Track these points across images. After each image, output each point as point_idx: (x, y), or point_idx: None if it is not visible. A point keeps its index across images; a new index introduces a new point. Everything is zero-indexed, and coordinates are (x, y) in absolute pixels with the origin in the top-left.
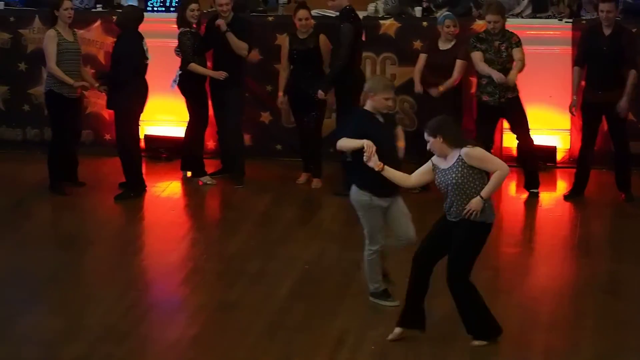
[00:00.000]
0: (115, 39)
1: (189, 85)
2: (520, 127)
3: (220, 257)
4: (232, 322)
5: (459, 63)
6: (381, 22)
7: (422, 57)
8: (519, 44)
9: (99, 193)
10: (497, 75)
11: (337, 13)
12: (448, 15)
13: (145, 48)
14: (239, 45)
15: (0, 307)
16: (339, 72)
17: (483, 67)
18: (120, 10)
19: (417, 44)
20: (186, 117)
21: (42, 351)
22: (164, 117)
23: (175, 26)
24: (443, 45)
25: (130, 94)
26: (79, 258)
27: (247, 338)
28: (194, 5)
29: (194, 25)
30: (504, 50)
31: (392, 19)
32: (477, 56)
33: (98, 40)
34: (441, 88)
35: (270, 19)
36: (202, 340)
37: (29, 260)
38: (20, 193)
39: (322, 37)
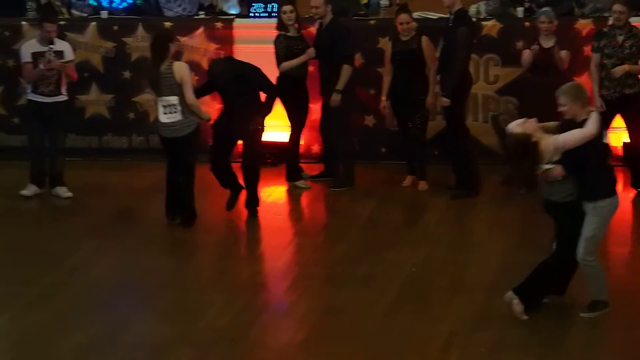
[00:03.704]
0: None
1: (285, 89)
2: (635, 125)
3: (327, 261)
4: (340, 327)
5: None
6: (483, 23)
7: (527, 56)
8: None
9: (205, 199)
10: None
11: (437, 16)
12: (543, 12)
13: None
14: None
15: (111, 314)
16: (459, 76)
17: (593, 77)
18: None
19: (520, 45)
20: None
21: (153, 357)
22: (269, 122)
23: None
24: (545, 43)
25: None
26: (187, 264)
27: (356, 342)
28: (286, 7)
29: (296, 25)
30: (628, 47)
31: (494, 19)
32: (593, 59)
33: (201, 47)
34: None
35: (372, 22)
36: (310, 345)
37: (138, 266)
38: (127, 200)
39: (425, 39)
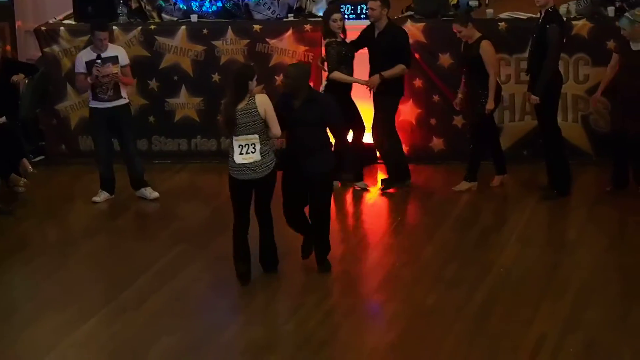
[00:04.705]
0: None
1: (334, 94)
2: None
3: (416, 263)
4: (429, 328)
5: None
6: (573, 22)
7: (615, 57)
8: None
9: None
10: None
11: (527, 16)
12: (621, 20)
13: None
14: None
15: (201, 317)
16: (551, 74)
17: None
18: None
19: (611, 44)
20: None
21: (243, 359)
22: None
23: None
24: (635, 46)
25: None
26: None
27: (446, 344)
28: (336, 16)
29: (341, 35)
30: None
31: (584, 19)
32: None
33: (290, 49)
34: None
35: None
36: (400, 347)
37: (227, 269)
38: (216, 203)
39: (484, 43)
